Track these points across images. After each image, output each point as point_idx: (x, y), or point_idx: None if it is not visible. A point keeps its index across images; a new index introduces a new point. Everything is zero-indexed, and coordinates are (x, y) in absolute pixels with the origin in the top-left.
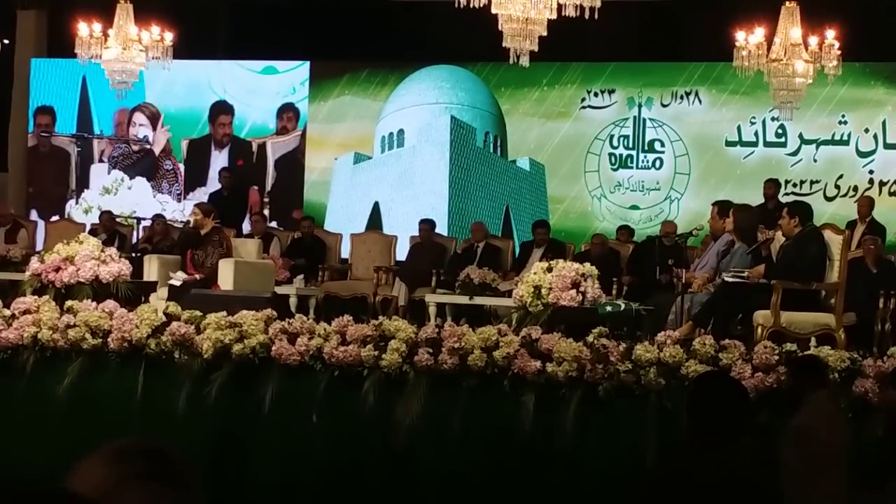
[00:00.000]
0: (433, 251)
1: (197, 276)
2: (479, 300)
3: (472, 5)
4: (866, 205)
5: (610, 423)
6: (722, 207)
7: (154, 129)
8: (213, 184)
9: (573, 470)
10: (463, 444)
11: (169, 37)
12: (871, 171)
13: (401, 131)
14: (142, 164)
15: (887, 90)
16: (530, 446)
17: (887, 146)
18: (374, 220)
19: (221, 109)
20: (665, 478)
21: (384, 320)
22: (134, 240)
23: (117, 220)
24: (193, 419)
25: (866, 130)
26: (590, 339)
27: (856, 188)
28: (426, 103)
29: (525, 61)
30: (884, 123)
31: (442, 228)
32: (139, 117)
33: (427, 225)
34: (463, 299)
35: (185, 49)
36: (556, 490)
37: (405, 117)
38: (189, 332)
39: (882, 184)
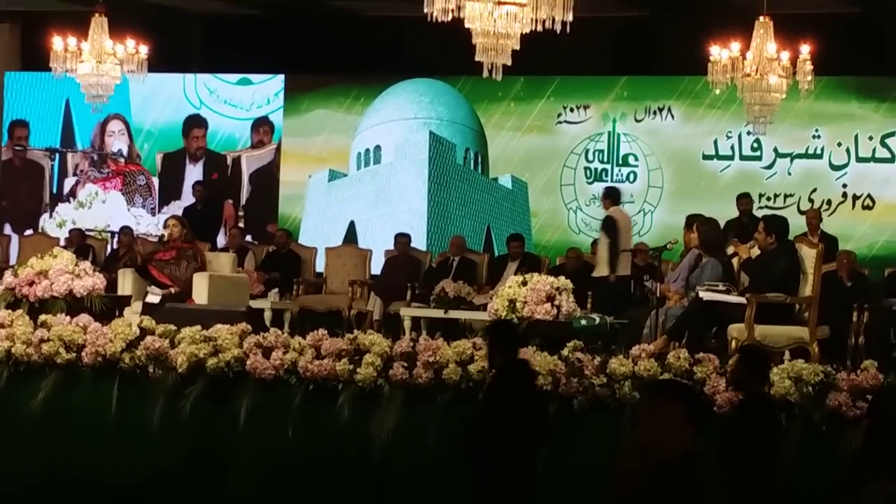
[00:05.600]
0: (408, 265)
1: (172, 290)
2: (453, 314)
3: (439, 20)
4: (815, 216)
5: (585, 437)
6: (693, 221)
7: (129, 137)
8: (188, 197)
9: (548, 483)
10: (438, 457)
11: (144, 50)
12: (844, 185)
13: (377, 147)
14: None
15: (860, 104)
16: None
17: (860, 160)
18: (350, 239)
19: (195, 123)
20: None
21: (359, 334)
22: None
23: (89, 233)
24: (168, 433)
25: (839, 144)
26: (565, 352)
27: (829, 202)
28: (404, 118)
29: (498, 76)
30: (856, 137)
31: (420, 248)
32: (115, 125)
33: (404, 238)
34: (438, 313)
35: (160, 62)
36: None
37: (382, 133)
38: (163, 347)
39: (855, 197)
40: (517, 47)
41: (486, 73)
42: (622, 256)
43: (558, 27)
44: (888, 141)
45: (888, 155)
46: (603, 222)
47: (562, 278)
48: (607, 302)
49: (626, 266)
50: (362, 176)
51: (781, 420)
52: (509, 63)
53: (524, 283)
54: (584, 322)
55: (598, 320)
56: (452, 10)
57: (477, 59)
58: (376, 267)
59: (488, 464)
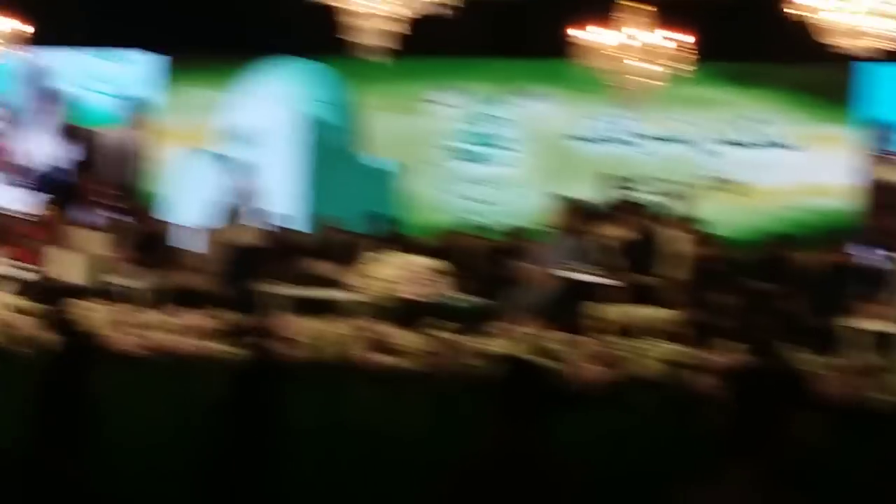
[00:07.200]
0: (281, 244)
1: (37, 268)
2: (326, 294)
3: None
4: (687, 200)
5: (458, 416)
6: (564, 203)
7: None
8: (56, 174)
9: (419, 461)
10: (302, 435)
11: (17, 25)
12: (716, 170)
13: (249, 127)
14: None
15: (731, 90)
16: (375, 438)
17: (732, 145)
18: (221, 218)
19: (58, 98)
20: (469, 464)
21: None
22: None
23: None
24: None
25: (712, 129)
26: (437, 332)
27: (701, 186)
28: (279, 98)
29: (377, 57)
30: (729, 123)
31: (295, 228)
32: None
33: (276, 218)
34: (309, 292)
35: (34, 37)
36: (404, 482)
37: (255, 112)
38: None
39: (727, 182)
40: (395, 28)
41: (363, 54)
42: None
43: (437, 8)
44: (761, 127)
45: (760, 141)
46: None
47: (435, 259)
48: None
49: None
50: (235, 155)
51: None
52: (387, 44)
53: (400, 264)
54: (459, 302)
55: (472, 301)
56: None
57: (355, 40)
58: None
59: None
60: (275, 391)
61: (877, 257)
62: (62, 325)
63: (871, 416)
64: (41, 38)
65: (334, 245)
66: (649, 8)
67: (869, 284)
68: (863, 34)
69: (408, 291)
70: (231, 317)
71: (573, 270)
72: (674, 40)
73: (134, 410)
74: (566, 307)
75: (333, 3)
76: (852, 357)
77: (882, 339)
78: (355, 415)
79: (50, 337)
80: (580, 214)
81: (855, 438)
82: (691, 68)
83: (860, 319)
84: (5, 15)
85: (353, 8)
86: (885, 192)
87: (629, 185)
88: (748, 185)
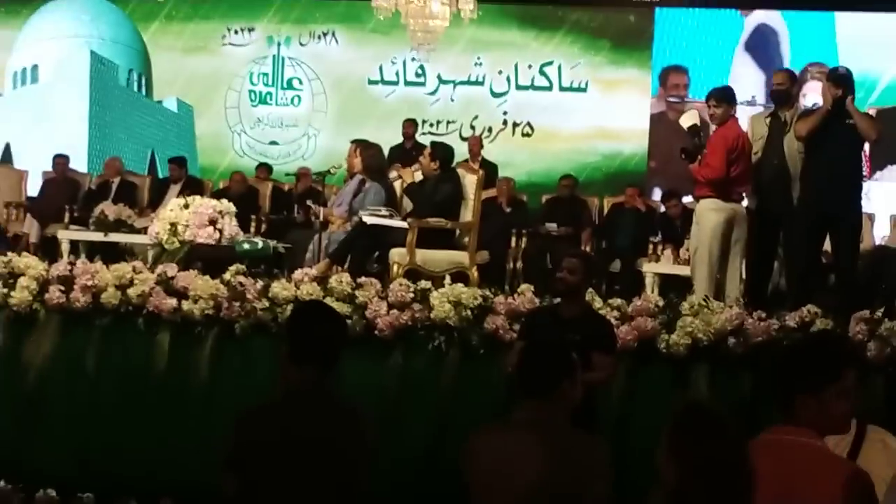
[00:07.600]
0: (67, 187)
1: None
2: (114, 237)
3: None
4: (477, 143)
5: (246, 361)
6: (356, 145)
7: None
8: None
9: (208, 407)
10: (97, 383)
11: None
12: (504, 112)
13: (35, 66)
14: None
15: (520, 33)
16: (165, 385)
17: (519, 87)
18: (6, 160)
19: None
20: (262, 409)
21: (13, 257)
22: None
23: None
24: None
25: (500, 72)
26: (227, 276)
27: (490, 129)
28: (63, 36)
29: None
30: (516, 66)
31: (81, 170)
32: None
33: (62, 159)
34: (97, 236)
35: None
36: (191, 428)
37: (40, 51)
38: None
39: (515, 124)
40: None
41: None
42: None
43: None
44: (546, 69)
45: (546, 83)
46: None
47: (224, 201)
48: None
49: None
50: (19, 96)
51: None
52: None
53: (186, 207)
54: (247, 246)
55: (261, 244)
56: None
57: None
58: (33, 189)
59: None
60: None
61: (669, 203)
62: None
63: (663, 359)
64: None
65: (122, 187)
66: None
67: (658, 228)
68: None
69: (197, 234)
70: None
71: (366, 213)
72: None
73: None
74: (359, 251)
75: None
76: (645, 300)
77: (671, 281)
78: (148, 359)
79: None
80: (371, 157)
81: (646, 381)
82: (481, 11)
83: (649, 262)
84: None
85: None
86: (675, 136)
87: (422, 127)
88: (542, 129)
